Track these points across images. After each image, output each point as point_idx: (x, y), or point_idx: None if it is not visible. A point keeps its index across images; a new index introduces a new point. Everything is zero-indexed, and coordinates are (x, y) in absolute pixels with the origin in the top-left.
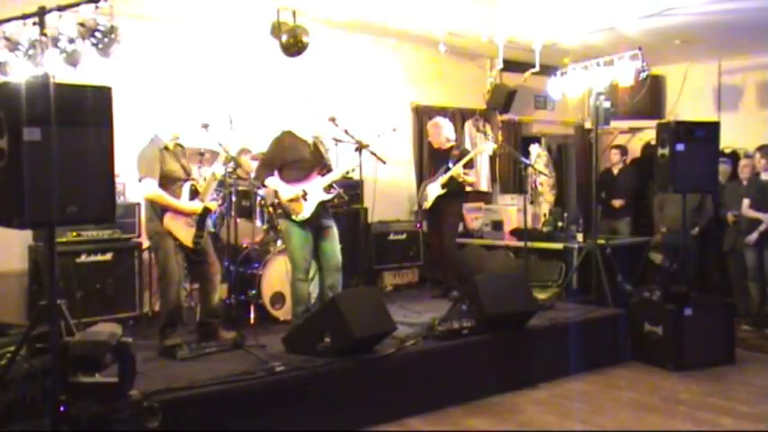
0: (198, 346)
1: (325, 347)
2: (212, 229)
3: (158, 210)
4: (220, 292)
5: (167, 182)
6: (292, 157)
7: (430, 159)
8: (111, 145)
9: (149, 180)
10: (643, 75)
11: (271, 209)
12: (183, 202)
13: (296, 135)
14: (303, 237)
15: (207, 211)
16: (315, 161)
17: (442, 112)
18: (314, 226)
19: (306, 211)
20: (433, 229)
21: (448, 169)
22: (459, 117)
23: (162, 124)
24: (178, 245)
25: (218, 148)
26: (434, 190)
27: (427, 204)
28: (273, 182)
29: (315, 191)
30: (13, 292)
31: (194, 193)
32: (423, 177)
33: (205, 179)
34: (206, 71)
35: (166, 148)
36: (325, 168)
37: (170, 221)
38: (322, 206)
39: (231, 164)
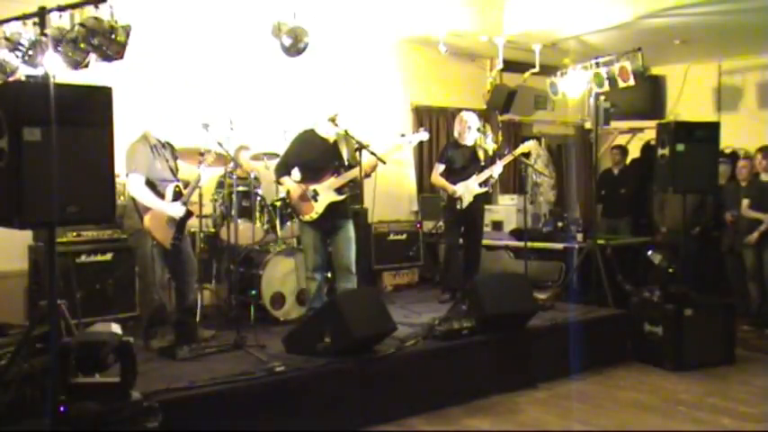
0: (198, 346)
1: (325, 347)
2: (197, 231)
3: (140, 208)
4: (195, 292)
5: (154, 180)
6: (307, 157)
7: (454, 158)
8: (111, 145)
9: (137, 176)
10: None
11: (270, 209)
12: (167, 205)
13: (315, 133)
14: (313, 237)
15: (189, 214)
16: (330, 161)
17: (442, 112)
18: (325, 226)
19: (314, 211)
20: (461, 232)
21: (482, 167)
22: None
23: (155, 121)
24: (156, 245)
25: (219, 149)
26: (473, 188)
27: (464, 204)
28: (286, 181)
29: (326, 191)
30: (13, 292)
31: (177, 194)
32: (423, 178)
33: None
34: (206, 71)
35: (156, 145)
36: (342, 168)
37: (151, 221)
38: (333, 207)
39: (231, 164)
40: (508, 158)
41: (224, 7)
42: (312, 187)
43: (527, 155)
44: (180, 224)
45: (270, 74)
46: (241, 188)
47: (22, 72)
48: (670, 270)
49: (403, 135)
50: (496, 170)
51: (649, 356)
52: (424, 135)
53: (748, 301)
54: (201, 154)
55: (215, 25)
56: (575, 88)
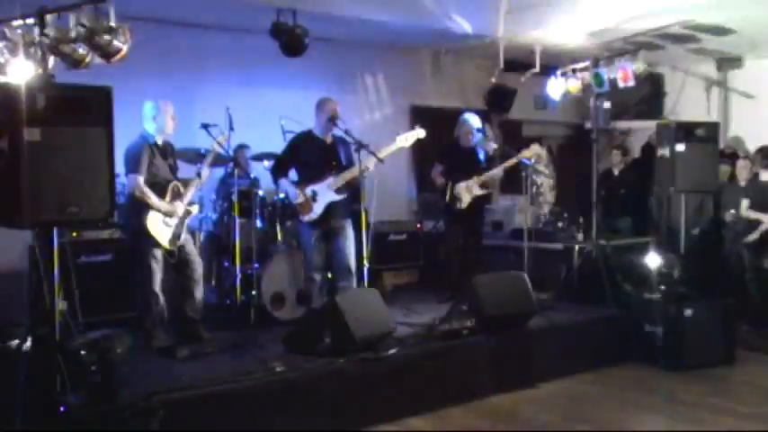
0: (198, 346)
1: (325, 347)
2: (197, 231)
3: (139, 207)
4: (202, 291)
5: (153, 179)
6: (305, 158)
7: (453, 159)
8: (111, 145)
9: (136, 176)
10: (642, 72)
11: (270, 209)
12: (166, 203)
13: (313, 135)
14: (313, 237)
15: (187, 213)
16: (328, 162)
17: (442, 112)
18: (325, 227)
19: (314, 212)
20: (461, 232)
21: (483, 168)
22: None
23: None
24: (155, 244)
25: (218, 149)
26: (473, 189)
27: (463, 204)
28: (284, 183)
29: (325, 192)
30: (13, 292)
31: (176, 195)
32: (423, 178)
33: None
34: (206, 71)
35: (156, 144)
36: (340, 168)
37: (150, 221)
38: (332, 207)
39: (231, 164)
40: (511, 162)
41: (224, 6)
42: (311, 188)
43: (528, 158)
44: (179, 223)
45: (270, 74)
46: (241, 188)
47: (22, 72)
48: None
49: (398, 134)
50: (497, 174)
51: (649, 356)
52: (420, 132)
53: (748, 301)
54: (201, 154)
55: (215, 25)
56: (575, 89)
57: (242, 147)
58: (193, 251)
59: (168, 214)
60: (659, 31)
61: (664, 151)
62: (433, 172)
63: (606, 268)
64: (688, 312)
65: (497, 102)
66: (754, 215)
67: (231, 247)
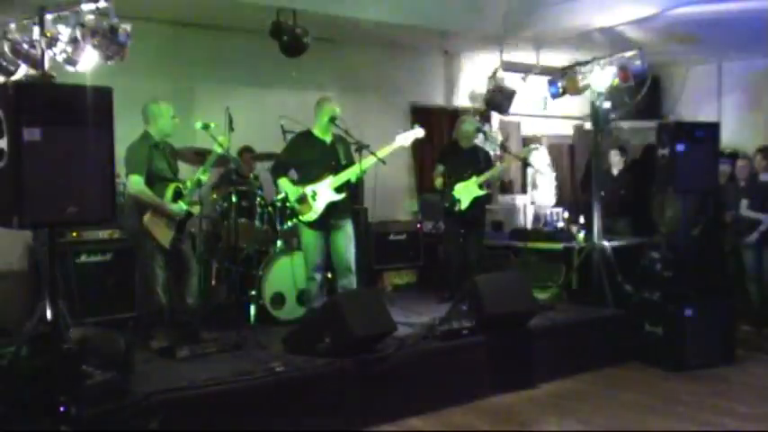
0: (198, 346)
1: (325, 347)
2: (197, 231)
3: (140, 208)
4: (196, 292)
5: (154, 180)
6: (305, 158)
7: (453, 160)
8: (111, 145)
9: (137, 177)
10: (642, 75)
11: (270, 209)
12: (168, 204)
13: (313, 134)
14: (313, 237)
15: (189, 215)
16: (328, 161)
17: (442, 112)
18: (325, 226)
19: (314, 211)
20: (461, 232)
21: (482, 168)
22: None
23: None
24: (156, 245)
25: (219, 150)
26: (471, 190)
27: (463, 205)
28: (284, 183)
29: (325, 191)
30: (13, 292)
31: (177, 195)
32: (423, 178)
33: (191, 180)
34: (206, 71)
35: (156, 145)
36: (340, 168)
37: (150, 221)
38: (332, 206)
39: (232, 164)
40: (510, 161)
41: (224, 6)
42: (311, 188)
43: (527, 157)
44: (180, 224)
45: (270, 74)
46: (241, 188)
47: (22, 72)
48: (664, 273)
49: (398, 133)
50: (498, 173)
51: (649, 356)
52: (419, 132)
53: (748, 301)
54: (202, 154)
55: (216, 24)
56: (575, 88)
57: (246, 150)
58: (190, 253)
59: (169, 215)
60: (660, 31)
61: (664, 151)
62: (434, 173)
63: (606, 268)
64: (688, 312)
65: (497, 102)
66: (753, 215)
67: (231, 247)
